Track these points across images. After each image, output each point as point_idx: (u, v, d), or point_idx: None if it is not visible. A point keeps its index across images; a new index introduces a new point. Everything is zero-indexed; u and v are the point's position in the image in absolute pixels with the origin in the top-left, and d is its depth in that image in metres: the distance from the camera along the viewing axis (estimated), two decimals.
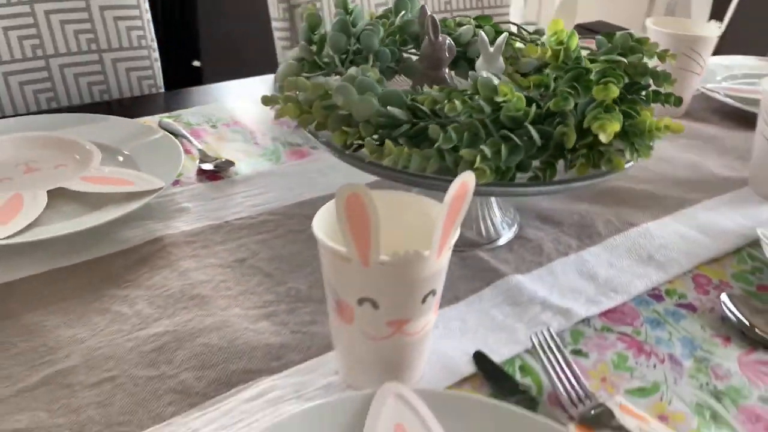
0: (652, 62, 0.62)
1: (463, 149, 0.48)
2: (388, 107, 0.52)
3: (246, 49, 2.00)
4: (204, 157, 0.77)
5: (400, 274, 0.41)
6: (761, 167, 0.76)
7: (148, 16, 0.97)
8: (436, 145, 0.49)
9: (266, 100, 0.58)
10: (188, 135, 0.82)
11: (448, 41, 0.62)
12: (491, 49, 0.63)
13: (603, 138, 0.47)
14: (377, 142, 0.52)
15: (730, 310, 0.55)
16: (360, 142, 0.54)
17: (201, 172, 0.75)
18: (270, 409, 0.45)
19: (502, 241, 0.65)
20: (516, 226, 0.68)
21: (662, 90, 0.61)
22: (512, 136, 0.48)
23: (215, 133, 0.85)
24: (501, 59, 0.64)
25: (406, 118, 0.52)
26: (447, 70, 0.64)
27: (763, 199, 0.75)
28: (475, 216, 0.66)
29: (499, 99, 0.49)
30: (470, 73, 0.58)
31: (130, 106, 0.91)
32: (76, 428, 0.44)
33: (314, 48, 0.63)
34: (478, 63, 0.65)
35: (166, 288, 0.57)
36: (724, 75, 1.09)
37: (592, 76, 0.52)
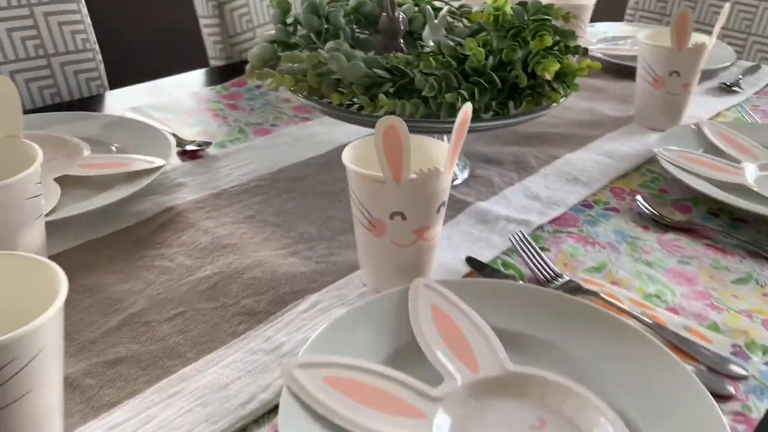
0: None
1: (446, 94, 0.60)
2: (374, 69, 0.64)
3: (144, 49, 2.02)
4: (180, 141, 0.85)
5: (425, 188, 0.53)
6: (643, 105, 0.95)
7: (88, 20, 1.01)
8: (423, 93, 0.61)
9: (261, 75, 0.68)
10: (158, 124, 0.89)
11: (402, 16, 0.75)
12: (436, 21, 0.76)
13: (548, 76, 0.62)
14: (369, 99, 0.64)
15: (645, 207, 0.72)
16: (351, 101, 0.65)
17: (183, 153, 0.83)
18: (323, 316, 0.56)
19: (459, 181, 0.79)
20: (467, 168, 0.81)
21: (570, 44, 0.77)
22: (481, 81, 0.61)
23: (179, 120, 0.92)
24: (443, 29, 0.77)
25: (390, 77, 0.64)
26: (401, 41, 0.76)
27: (647, 129, 0.94)
28: None
29: (466, 52, 0.62)
30: (426, 36, 0.71)
31: (85, 107, 0.95)
32: (168, 350, 0.52)
33: (290, 29, 0.73)
34: (425, 33, 0.78)
35: (197, 243, 0.65)
36: (599, 38, 1.29)
37: (527, 33, 0.66)
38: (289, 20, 0.74)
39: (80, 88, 1.01)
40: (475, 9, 0.76)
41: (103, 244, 0.65)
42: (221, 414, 0.46)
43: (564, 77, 0.66)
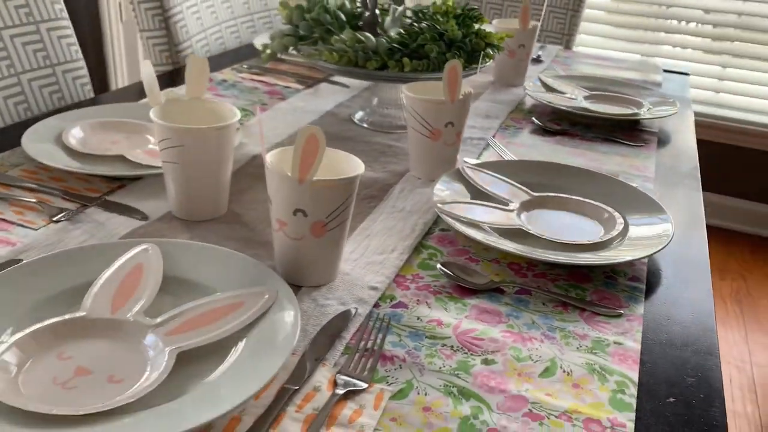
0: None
1: (446, 54, 0.97)
2: (392, 44, 0.97)
3: None
4: None
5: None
6: (421, 157, 0.94)
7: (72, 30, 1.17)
8: (432, 55, 0.96)
9: (311, 55, 0.97)
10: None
11: (376, 11, 1.09)
12: (397, 14, 1.11)
13: (495, 41, 1.01)
14: (394, 62, 0.97)
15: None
16: (376, 67, 0.98)
17: None
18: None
19: None
20: None
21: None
22: (461, 46, 0.98)
23: None
24: (400, 21, 1.12)
25: (402, 48, 0.98)
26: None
27: (425, 180, 0.94)
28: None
29: (444, 29, 0.98)
30: (388, 26, 1.06)
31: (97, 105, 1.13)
32: None
33: (310, 23, 1.03)
34: (387, 23, 1.12)
35: None
36: None
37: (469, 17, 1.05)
38: (309, 16, 1.04)
39: (78, 92, 1.17)
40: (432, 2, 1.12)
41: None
42: None
43: (495, 44, 1.05)
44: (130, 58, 2.68)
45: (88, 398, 0.50)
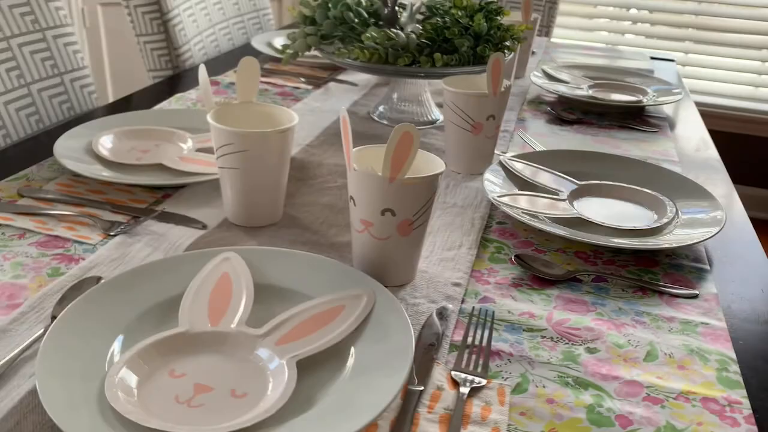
0: None
1: (477, 48, 0.97)
2: (421, 39, 0.97)
3: None
4: None
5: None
6: (461, 151, 0.93)
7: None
8: (463, 49, 0.96)
9: (338, 53, 0.96)
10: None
11: (396, 8, 1.08)
12: (413, 10, 1.11)
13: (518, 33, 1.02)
14: (426, 58, 0.97)
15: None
16: (407, 63, 0.97)
17: None
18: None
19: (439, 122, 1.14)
20: (437, 120, 1.16)
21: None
22: (489, 39, 0.99)
23: None
24: (416, 17, 1.12)
25: (430, 44, 0.98)
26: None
27: (466, 174, 0.94)
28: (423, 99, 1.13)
29: (468, 24, 0.99)
30: (404, 23, 1.05)
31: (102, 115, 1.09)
32: None
33: (335, 21, 1.02)
34: (403, 19, 1.11)
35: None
36: None
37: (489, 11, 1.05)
38: (331, 13, 1.02)
39: (86, 101, 1.12)
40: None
41: None
42: None
43: (518, 36, 1.06)
44: (96, 66, 2.59)
45: (221, 416, 0.48)
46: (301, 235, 0.76)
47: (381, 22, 1.09)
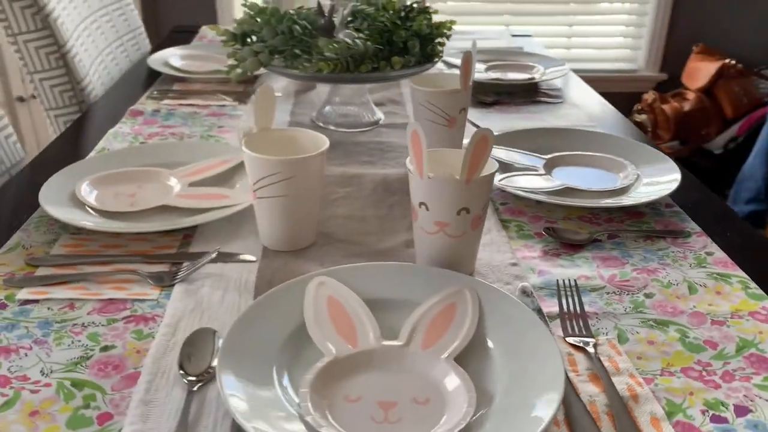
0: None
1: (429, 48, 1.03)
2: (374, 45, 1.02)
3: None
4: None
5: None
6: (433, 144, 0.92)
7: None
8: (416, 50, 1.02)
9: (305, 68, 0.97)
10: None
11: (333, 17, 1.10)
12: (343, 16, 1.14)
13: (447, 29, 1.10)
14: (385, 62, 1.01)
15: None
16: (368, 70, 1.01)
17: None
18: None
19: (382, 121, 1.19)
20: (380, 119, 1.22)
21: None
22: (431, 38, 1.06)
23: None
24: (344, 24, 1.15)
25: (383, 48, 1.02)
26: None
27: None
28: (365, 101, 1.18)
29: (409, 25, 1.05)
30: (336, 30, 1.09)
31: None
32: None
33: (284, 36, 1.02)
34: (337, 27, 1.14)
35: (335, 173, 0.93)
36: None
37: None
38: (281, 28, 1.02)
39: (12, 151, 1.01)
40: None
41: None
42: None
43: (447, 31, 1.14)
44: None
45: (424, 423, 0.52)
46: (348, 248, 0.78)
47: (317, 30, 1.12)
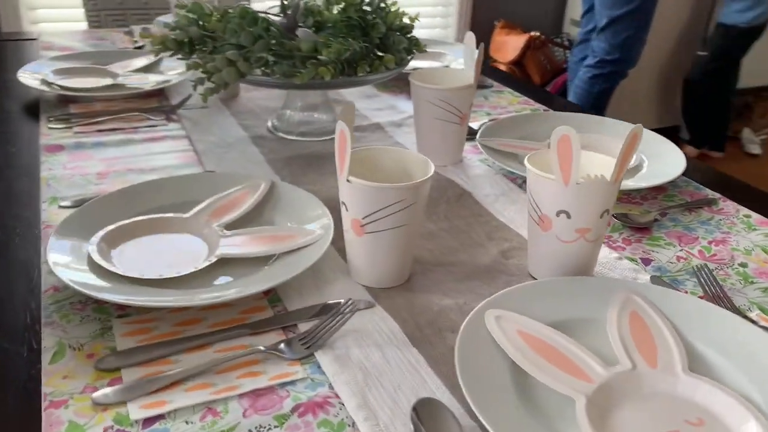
0: None
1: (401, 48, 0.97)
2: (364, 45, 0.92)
3: None
4: None
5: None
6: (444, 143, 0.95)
7: None
8: (403, 46, 0.95)
9: (302, 76, 0.85)
10: None
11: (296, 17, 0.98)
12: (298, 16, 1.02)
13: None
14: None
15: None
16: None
17: None
18: None
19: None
20: None
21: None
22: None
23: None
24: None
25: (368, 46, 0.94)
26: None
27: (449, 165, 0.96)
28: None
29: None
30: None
31: None
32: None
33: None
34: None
35: None
36: None
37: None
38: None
39: None
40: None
41: None
42: None
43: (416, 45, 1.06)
44: None
45: None
46: (450, 271, 0.71)
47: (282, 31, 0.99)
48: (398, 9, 1.01)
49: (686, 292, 0.69)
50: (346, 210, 0.65)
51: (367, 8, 1.00)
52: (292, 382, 0.55)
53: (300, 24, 0.99)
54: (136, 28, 1.66)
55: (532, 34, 3.02)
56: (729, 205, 0.88)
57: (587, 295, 0.64)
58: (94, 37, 1.62)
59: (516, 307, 0.60)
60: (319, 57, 0.89)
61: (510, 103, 1.26)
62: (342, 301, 0.63)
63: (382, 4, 1.01)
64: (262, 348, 0.57)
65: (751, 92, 3.58)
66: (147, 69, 1.29)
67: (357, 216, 0.64)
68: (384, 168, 0.69)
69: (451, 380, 0.55)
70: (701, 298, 0.67)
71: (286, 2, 0.99)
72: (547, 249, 0.68)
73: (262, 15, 0.93)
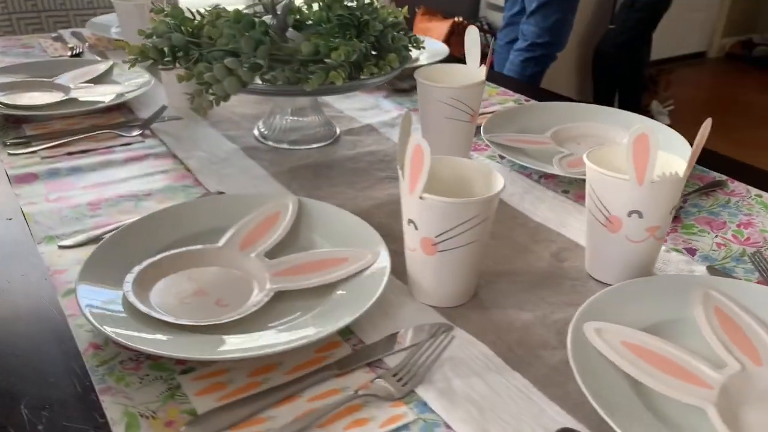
0: None
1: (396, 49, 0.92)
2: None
3: None
4: None
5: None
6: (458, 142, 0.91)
7: None
8: (402, 44, 0.90)
9: (313, 83, 0.78)
10: None
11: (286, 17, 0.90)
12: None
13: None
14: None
15: None
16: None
17: None
18: None
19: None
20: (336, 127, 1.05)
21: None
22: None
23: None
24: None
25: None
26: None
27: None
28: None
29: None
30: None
31: None
32: None
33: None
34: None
35: None
36: None
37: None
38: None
39: None
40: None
41: None
42: None
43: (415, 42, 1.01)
44: None
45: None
46: (512, 280, 0.67)
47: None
48: (386, 5, 0.96)
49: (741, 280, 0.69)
50: (415, 229, 0.60)
51: (352, 4, 0.95)
52: (405, 426, 0.50)
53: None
54: (64, 32, 1.51)
55: (456, 19, 3.03)
56: (739, 186, 0.90)
57: (666, 295, 0.62)
58: (17, 45, 1.46)
59: (608, 317, 0.58)
60: (326, 60, 0.83)
61: (490, 95, 1.24)
62: (427, 326, 0.59)
63: (367, 0, 0.96)
64: (360, 392, 0.52)
65: (654, 64, 3.77)
66: (98, 80, 1.17)
67: (429, 234, 0.59)
68: (442, 179, 0.64)
69: (567, 403, 0.52)
70: (758, 283, 0.68)
71: (275, 0, 0.92)
72: (615, 250, 0.66)
73: (252, 16, 0.85)
